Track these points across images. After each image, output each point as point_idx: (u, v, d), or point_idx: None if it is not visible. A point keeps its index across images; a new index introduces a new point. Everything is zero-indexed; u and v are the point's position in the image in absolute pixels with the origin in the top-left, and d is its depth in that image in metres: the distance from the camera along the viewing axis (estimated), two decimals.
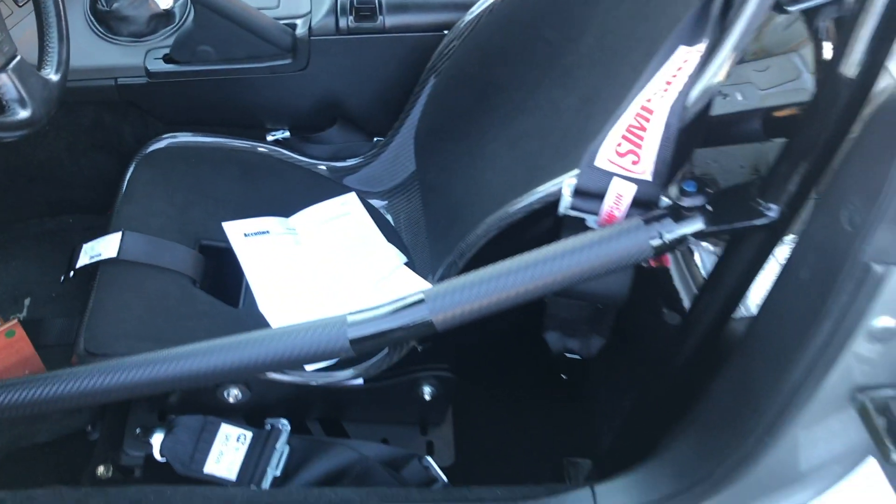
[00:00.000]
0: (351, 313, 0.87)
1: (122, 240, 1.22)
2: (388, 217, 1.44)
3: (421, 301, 0.85)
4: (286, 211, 1.40)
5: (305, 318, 1.22)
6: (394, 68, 1.40)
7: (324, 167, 1.46)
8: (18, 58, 0.98)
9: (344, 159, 1.46)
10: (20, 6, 1.30)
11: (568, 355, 1.12)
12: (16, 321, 1.22)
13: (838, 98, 0.74)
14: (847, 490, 0.85)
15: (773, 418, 0.82)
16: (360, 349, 0.87)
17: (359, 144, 1.47)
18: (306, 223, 1.40)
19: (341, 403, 1.22)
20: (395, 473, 1.15)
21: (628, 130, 0.86)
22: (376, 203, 1.45)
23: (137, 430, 1.19)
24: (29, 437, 1.27)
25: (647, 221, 0.84)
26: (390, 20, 1.36)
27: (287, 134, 1.46)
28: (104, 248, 1.23)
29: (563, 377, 1.32)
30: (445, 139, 1.35)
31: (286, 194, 1.41)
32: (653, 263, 1.45)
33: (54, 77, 1.06)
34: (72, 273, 1.26)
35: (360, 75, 1.41)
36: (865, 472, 0.82)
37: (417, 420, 1.29)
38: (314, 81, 1.40)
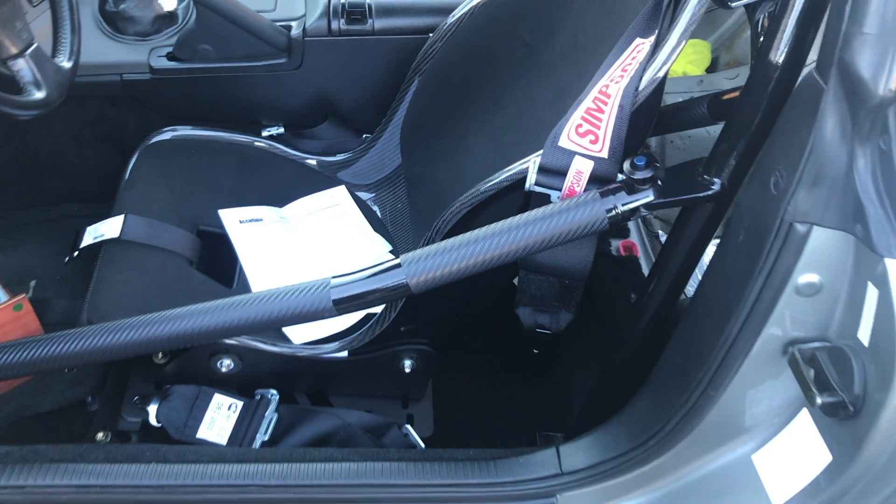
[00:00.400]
0: (334, 276, 0.95)
1: (124, 222, 1.31)
2: (375, 208, 1.53)
3: (398, 266, 0.93)
4: (279, 201, 1.48)
5: None
6: (382, 68, 1.49)
7: (315, 161, 1.55)
8: (35, 45, 1.07)
9: (334, 154, 1.55)
10: (34, 6, 1.39)
11: (539, 330, 1.20)
12: (23, 296, 1.30)
13: (768, 82, 0.83)
14: (784, 441, 0.93)
15: (716, 371, 0.90)
16: (343, 310, 0.95)
17: (348, 140, 1.56)
18: (297, 212, 1.48)
19: (327, 376, 1.30)
20: (376, 440, 1.23)
21: (587, 113, 0.95)
22: (364, 195, 1.54)
23: (135, 399, 1.26)
24: (32, 407, 1.34)
25: (603, 194, 0.92)
26: (379, 23, 1.46)
27: (281, 130, 1.56)
28: (107, 229, 1.31)
29: (535, 352, 1.40)
30: (429, 134, 1.44)
31: (279, 186, 1.50)
32: (622, 252, 1.55)
33: (66, 64, 1.15)
34: (76, 253, 1.34)
35: (350, 75, 1.51)
36: (799, 424, 0.91)
37: (399, 394, 1.37)
38: (307, 80, 1.50)
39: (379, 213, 1.52)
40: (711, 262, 0.95)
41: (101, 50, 1.45)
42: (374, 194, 1.54)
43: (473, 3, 1.38)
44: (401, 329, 1.25)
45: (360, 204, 1.52)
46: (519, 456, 1.08)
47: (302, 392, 1.32)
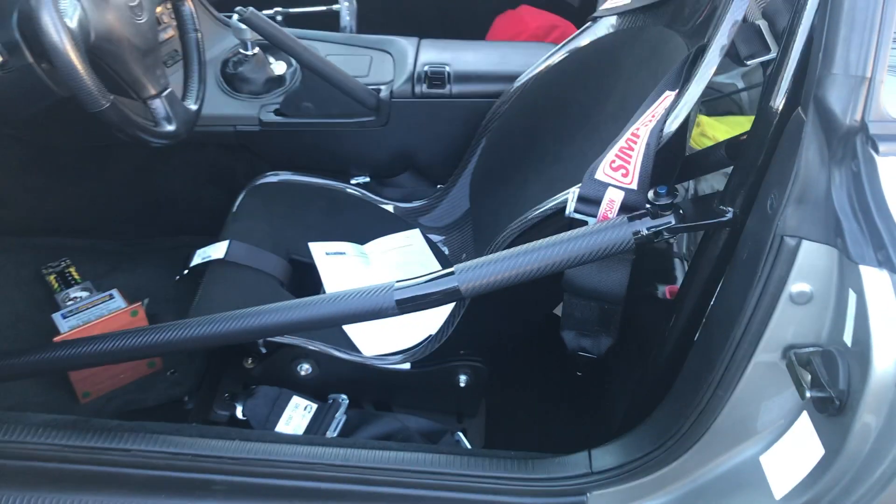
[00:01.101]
0: (397, 281, 1.13)
1: (229, 245, 1.53)
2: (445, 249, 1.71)
3: (451, 273, 1.11)
4: (361, 239, 1.69)
5: (369, 325, 1.49)
6: (456, 127, 1.70)
7: (393, 207, 1.75)
8: (170, 89, 1.33)
9: (411, 201, 1.76)
10: (168, 67, 1.67)
11: (582, 354, 1.34)
12: (139, 304, 1.53)
13: (770, 123, 0.98)
14: (787, 442, 1.03)
15: (724, 373, 1.02)
16: (404, 309, 1.12)
17: (424, 189, 1.76)
18: (376, 250, 1.68)
19: (391, 386, 1.46)
20: (431, 445, 1.37)
21: (621, 150, 1.11)
22: (435, 237, 1.73)
23: (226, 394, 1.45)
24: (138, 402, 1.55)
25: (631, 219, 1.07)
26: (456, 88, 1.68)
27: (367, 179, 1.77)
28: (214, 251, 1.54)
29: (579, 374, 1.52)
30: (495, 184, 1.63)
31: (362, 226, 1.71)
32: (668, 296, 1.67)
33: (193, 106, 1.40)
34: (185, 271, 1.56)
35: (428, 132, 1.72)
36: (800, 424, 1.01)
37: (454, 409, 1.51)
38: (392, 136, 1.72)
39: (447, 253, 1.70)
40: (724, 278, 1.08)
41: (219, 104, 1.70)
42: (444, 237, 1.73)
43: (536, 71, 1.59)
44: (460, 352, 1.41)
45: (431, 245, 1.71)
46: (555, 457, 1.21)
47: (368, 401, 1.48)
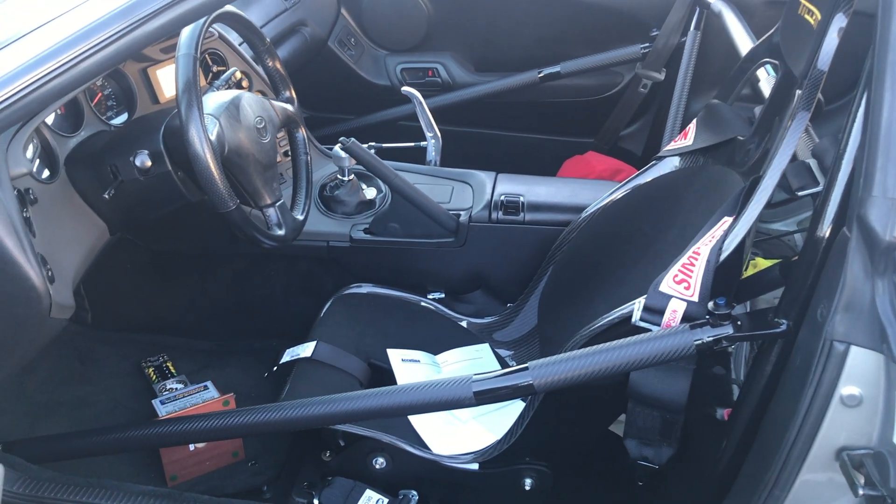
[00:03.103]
0: (475, 374, 1.25)
1: (315, 346, 1.67)
2: (512, 363, 1.82)
3: (526, 369, 1.22)
4: (434, 349, 1.81)
5: (437, 421, 1.59)
6: (527, 251, 1.85)
7: (467, 322, 1.89)
8: (282, 200, 1.52)
9: (483, 317, 1.89)
10: (287, 158, 1.87)
11: (643, 463, 1.41)
12: (231, 395, 1.66)
13: (819, 244, 1.10)
14: None
15: (779, 473, 1.09)
16: (480, 400, 1.23)
17: (494, 306, 1.90)
18: (448, 360, 1.80)
19: (458, 486, 1.53)
20: None
21: (683, 266, 1.24)
22: (503, 352, 1.84)
23: (305, 483, 1.55)
24: (220, 488, 1.65)
25: (692, 327, 1.18)
26: (529, 216, 1.85)
27: (442, 294, 1.92)
28: (302, 350, 1.68)
29: (640, 484, 1.57)
30: (562, 303, 1.75)
31: (435, 337, 1.83)
32: (726, 418, 1.73)
33: (300, 216, 1.59)
34: (275, 368, 1.70)
35: (501, 254, 1.87)
36: None
37: None
38: (468, 256, 1.88)
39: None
40: (779, 386, 1.17)
41: (316, 222, 1.89)
42: (512, 352, 1.84)
43: (603, 203, 1.74)
44: (525, 458, 1.49)
45: (500, 359, 1.82)
46: None
47: (436, 500, 1.55)
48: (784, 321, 1.16)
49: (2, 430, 1.53)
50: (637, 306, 1.25)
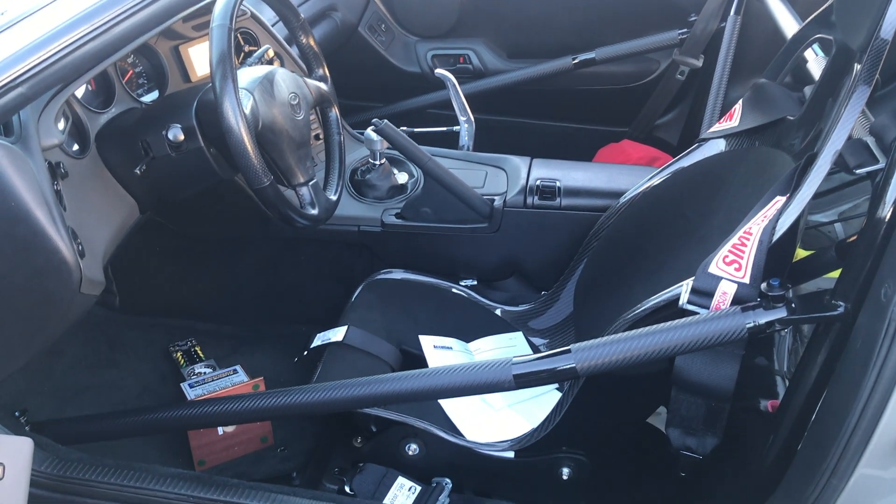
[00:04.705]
0: (515, 356, 1.20)
1: (347, 330, 1.64)
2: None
3: (568, 352, 1.17)
4: (466, 337, 1.77)
5: (471, 408, 1.55)
6: (563, 237, 1.80)
7: (501, 310, 1.84)
8: (315, 179, 1.48)
9: (517, 304, 1.84)
10: (319, 141, 1.83)
11: (686, 453, 1.36)
12: (261, 378, 1.63)
13: (880, 224, 1.05)
14: None
15: (838, 461, 1.04)
16: (521, 384, 1.19)
17: (528, 294, 1.85)
18: (481, 347, 1.76)
19: (493, 474, 1.49)
20: None
21: (733, 247, 1.19)
22: (537, 340, 1.79)
23: (335, 469, 1.51)
24: (249, 474, 1.62)
25: (744, 309, 1.13)
26: (565, 201, 1.80)
27: (474, 282, 1.88)
28: (333, 335, 1.64)
29: (682, 475, 1.51)
30: (599, 290, 1.70)
31: (468, 325, 1.79)
32: (770, 409, 1.68)
33: (333, 197, 1.56)
34: (305, 352, 1.67)
35: (536, 240, 1.83)
36: None
37: None
38: (501, 242, 1.83)
39: None
40: (836, 371, 1.11)
41: (347, 207, 1.86)
42: (547, 340, 1.79)
43: (642, 188, 1.69)
44: (563, 448, 1.45)
45: (534, 348, 1.77)
46: None
47: (470, 488, 1.51)
48: (842, 304, 1.11)
49: (31, 411, 1.50)
50: (685, 288, 1.20)
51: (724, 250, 1.19)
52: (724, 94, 2.21)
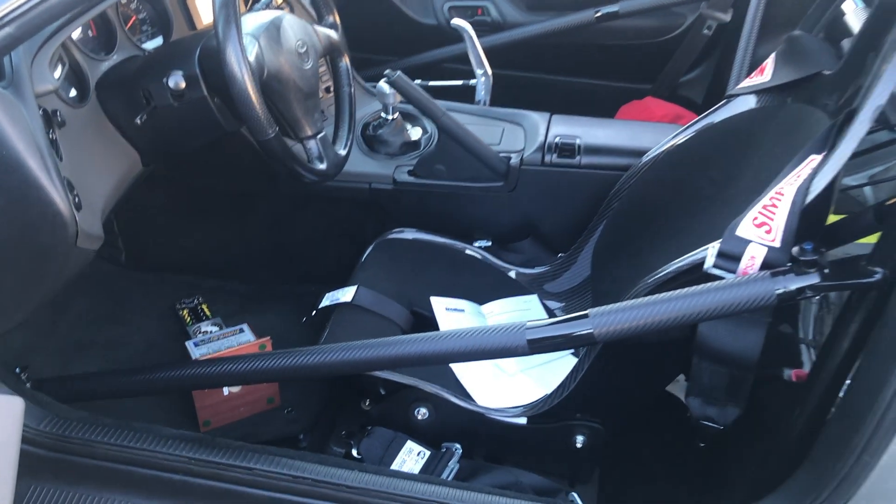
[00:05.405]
0: (528, 321, 1.14)
1: (356, 291, 1.58)
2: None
3: (585, 316, 1.11)
4: (479, 299, 1.71)
5: (483, 373, 1.50)
6: (582, 197, 1.74)
7: (516, 272, 1.78)
8: (324, 132, 1.42)
9: (532, 267, 1.78)
10: (329, 94, 1.76)
11: (706, 423, 1.30)
12: (268, 338, 1.58)
13: None
14: None
15: (871, 437, 0.98)
16: (535, 349, 1.13)
17: (544, 256, 1.79)
18: (494, 310, 1.70)
19: (505, 440, 1.44)
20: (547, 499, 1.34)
21: (764, 208, 1.12)
22: (552, 304, 1.74)
23: (343, 432, 1.47)
24: (254, 435, 1.58)
25: (774, 274, 1.07)
26: (585, 160, 1.73)
27: (489, 243, 1.81)
28: (342, 295, 1.59)
29: (701, 445, 1.46)
30: (619, 253, 1.64)
31: (481, 287, 1.73)
32: (794, 379, 1.62)
33: (342, 151, 1.49)
34: (313, 312, 1.62)
35: (554, 200, 1.76)
36: None
37: (567, 472, 1.47)
38: (518, 202, 1.77)
39: None
40: (870, 342, 1.05)
41: (358, 163, 1.79)
42: (563, 304, 1.73)
43: (666, 146, 1.61)
44: (576, 415, 1.40)
45: (549, 312, 1.72)
46: None
47: (481, 454, 1.47)
48: (879, 270, 1.04)
49: (33, 368, 1.46)
50: (711, 252, 1.14)
51: (754, 212, 1.12)
52: (753, 50, 2.11)
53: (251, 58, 1.26)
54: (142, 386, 1.39)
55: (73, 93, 1.30)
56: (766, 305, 1.06)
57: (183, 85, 1.31)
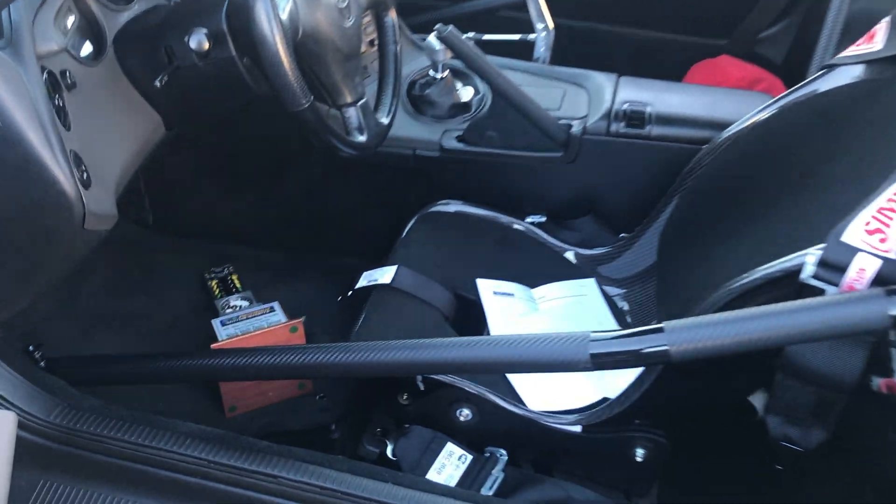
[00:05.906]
0: (593, 331, 0.99)
1: (396, 271, 1.45)
2: (623, 304, 1.56)
3: (660, 330, 0.96)
4: (530, 282, 1.56)
5: (539, 380, 1.36)
6: (650, 172, 1.56)
7: (572, 252, 1.62)
8: (365, 99, 1.26)
9: (591, 247, 1.62)
10: (373, 48, 1.60)
11: (785, 444, 1.15)
12: (300, 320, 1.46)
13: None
14: None
15: None
16: (599, 365, 0.98)
17: (604, 236, 1.62)
18: (546, 295, 1.55)
19: (556, 449, 1.31)
20: None
21: (879, 212, 0.94)
22: (611, 290, 1.58)
23: (378, 430, 1.35)
24: (282, 423, 1.48)
25: (889, 293, 0.90)
26: (656, 130, 1.54)
27: (543, 219, 1.65)
28: (381, 276, 1.46)
29: (778, 468, 1.32)
30: (690, 239, 1.47)
31: (532, 268, 1.58)
32: (884, 389, 1.45)
33: (385, 120, 1.34)
34: (350, 293, 1.49)
35: (618, 174, 1.59)
36: None
37: (623, 485, 1.34)
38: (578, 175, 1.60)
39: (626, 309, 1.55)
40: None
41: (402, 126, 1.63)
42: (623, 290, 1.57)
43: (752, 120, 1.42)
44: (635, 421, 1.25)
45: (607, 298, 1.56)
46: None
47: (527, 461, 1.34)
48: None
49: (51, 340, 1.37)
50: (810, 259, 0.97)
51: (866, 215, 0.95)
52: (848, 4, 1.88)
53: (284, 16, 1.10)
54: (161, 373, 1.28)
55: (85, 49, 1.16)
56: (876, 329, 0.90)
57: (206, 45, 1.16)
